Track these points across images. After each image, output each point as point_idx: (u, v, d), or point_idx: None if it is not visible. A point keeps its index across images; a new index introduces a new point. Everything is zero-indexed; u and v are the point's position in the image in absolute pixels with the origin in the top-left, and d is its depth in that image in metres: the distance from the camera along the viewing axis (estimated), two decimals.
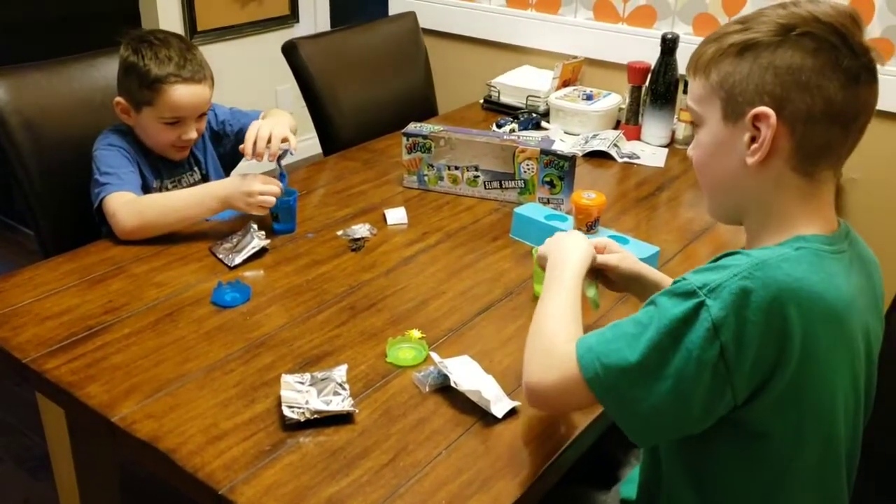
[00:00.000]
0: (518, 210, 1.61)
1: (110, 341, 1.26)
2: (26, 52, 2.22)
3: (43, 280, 1.43)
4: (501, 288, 1.44)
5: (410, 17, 2.43)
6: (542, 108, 2.28)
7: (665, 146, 2.10)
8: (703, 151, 0.99)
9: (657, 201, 1.82)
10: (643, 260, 1.35)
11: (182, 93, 1.58)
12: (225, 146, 1.81)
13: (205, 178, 1.77)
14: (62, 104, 1.75)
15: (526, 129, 2.19)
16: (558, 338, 1.01)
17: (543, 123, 2.22)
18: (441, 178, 1.80)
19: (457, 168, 1.79)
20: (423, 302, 1.39)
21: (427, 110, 2.46)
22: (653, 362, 0.88)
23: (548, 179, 1.71)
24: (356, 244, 1.57)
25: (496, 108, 2.35)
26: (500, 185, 1.77)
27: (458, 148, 1.77)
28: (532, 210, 1.61)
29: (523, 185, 1.74)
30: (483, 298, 1.40)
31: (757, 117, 0.90)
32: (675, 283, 0.92)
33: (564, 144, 2.05)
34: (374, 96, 2.30)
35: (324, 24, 3.99)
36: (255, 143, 1.57)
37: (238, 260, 1.48)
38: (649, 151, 2.07)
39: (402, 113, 2.34)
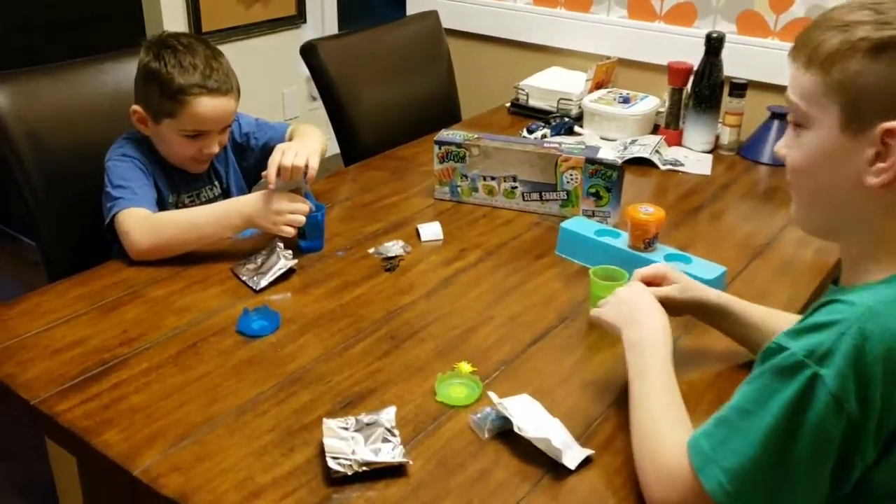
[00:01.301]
0: (565, 225, 1.48)
1: (128, 378, 1.13)
2: (26, 55, 2.09)
3: (51, 307, 1.30)
4: (554, 313, 1.31)
5: (433, 16, 2.31)
6: (574, 111, 2.15)
7: (709, 152, 1.98)
8: (805, 157, 0.86)
9: (709, 213, 1.70)
10: (709, 283, 1.23)
11: (207, 105, 1.46)
12: (248, 159, 1.69)
13: (225, 193, 1.65)
14: (68, 111, 1.63)
15: (558, 134, 2.06)
16: (666, 444, 0.89)
17: (576, 128, 2.10)
18: (475, 190, 1.68)
19: (493, 178, 1.66)
20: (470, 329, 1.26)
21: (450, 114, 2.33)
22: (775, 456, 0.77)
23: (593, 190, 1.58)
24: (390, 263, 1.44)
25: (524, 113, 2.23)
26: (541, 196, 1.64)
27: (494, 157, 1.65)
28: (580, 225, 1.49)
29: (566, 197, 1.62)
30: (535, 325, 1.28)
31: (890, 133, 0.77)
32: (771, 350, 0.80)
33: (602, 151, 1.93)
34: (395, 99, 2.18)
35: (331, 24, 3.86)
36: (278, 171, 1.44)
37: (264, 283, 1.36)
38: (693, 158, 1.94)
39: (423, 117, 2.22)
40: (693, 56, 1.97)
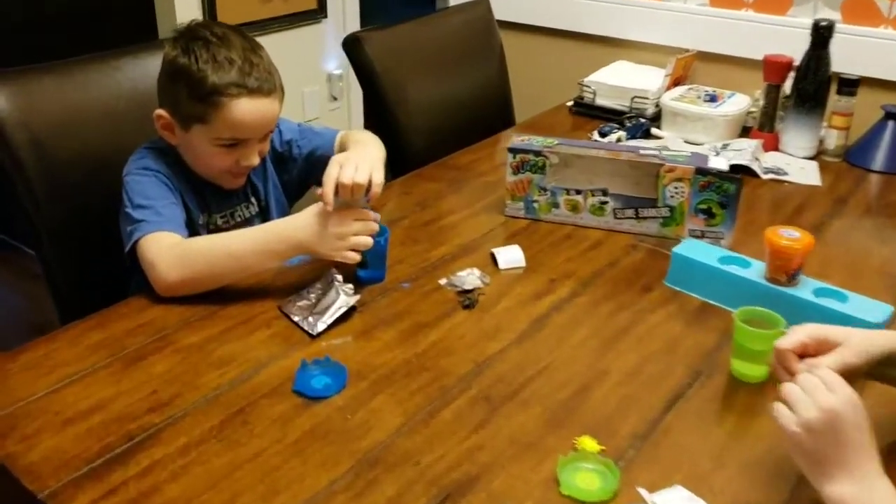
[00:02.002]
0: (678, 250, 1.23)
1: (161, 459, 0.89)
2: (29, 51, 1.85)
3: (62, 358, 1.06)
4: (682, 365, 1.07)
5: (483, 5, 2.06)
6: (649, 111, 1.91)
7: (811, 158, 1.73)
8: None
9: (832, 233, 1.45)
10: (875, 326, 0.99)
11: (246, 109, 1.21)
12: (290, 172, 1.44)
13: (263, 212, 1.41)
14: (76, 115, 1.38)
15: (634, 137, 1.82)
16: None
17: (654, 130, 1.85)
18: (556, 205, 1.44)
19: (578, 192, 1.42)
20: (583, 389, 1.02)
21: (503, 115, 2.09)
22: None
23: (704, 207, 1.34)
24: (468, 299, 1.20)
25: (590, 113, 1.98)
26: (636, 213, 1.40)
27: (578, 166, 1.40)
28: (697, 250, 1.23)
29: (668, 214, 1.37)
30: (663, 383, 1.03)
31: None
32: None
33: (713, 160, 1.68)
34: (444, 98, 1.93)
35: (353, 19, 3.61)
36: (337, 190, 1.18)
37: (322, 326, 1.11)
38: (796, 165, 1.69)
39: (475, 118, 1.99)
40: (788, 48, 1.72)
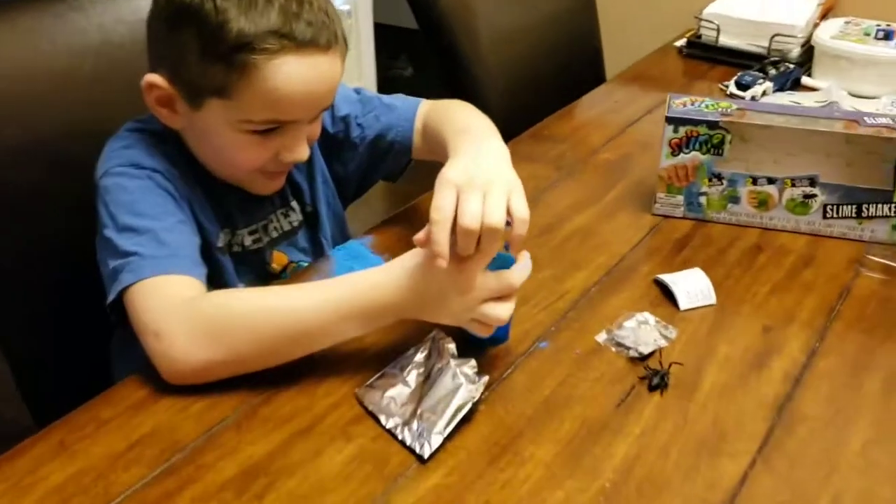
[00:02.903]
0: None
1: None
2: None
3: None
4: None
5: None
6: (794, 52, 1.44)
7: None
8: None
9: None
10: None
11: (294, 73, 0.75)
12: (345, 163, 0.98)
13: (310, 221, 0.95)
14: (19, 80, 0.90)
15: (781, 89, 1.36)
16: None
17: (806, 79, 1.39)
18: (735, 200, 0.99)
19: (771, 181, 0.97)
20: None
21: (591, 60, 1.62)
22: None
23: None
24: (655, 375, 0.75)
25: (710, 56, 1.51)
26: (858, 211, 0.95)
27: (768, 143, 0.95)
28: None
29: None
30: None
31: None
32: None
33: None
34: (521, 37, 1.46)
35: None
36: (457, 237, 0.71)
37: (437, 441, 0.67)
38: None
39: (558, 65, 1.53)
40: None
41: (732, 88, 1.35)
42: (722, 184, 0.98)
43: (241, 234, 0.90)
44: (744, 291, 0.88)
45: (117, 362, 0.93)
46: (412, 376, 0.72)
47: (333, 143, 0.95)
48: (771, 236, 0.98)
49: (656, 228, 1.00)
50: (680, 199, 1.00)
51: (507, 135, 1.23)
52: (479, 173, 0.71)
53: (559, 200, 1.06)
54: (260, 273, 0.93)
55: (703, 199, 0.99)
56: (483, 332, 0.73)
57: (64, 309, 0.91)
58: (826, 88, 1.35)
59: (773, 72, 1.37)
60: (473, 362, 0.71)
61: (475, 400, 0.69)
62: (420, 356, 0.73)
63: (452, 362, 0.71)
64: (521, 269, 0.72)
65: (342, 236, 1.01)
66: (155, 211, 0.78)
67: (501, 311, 0.71)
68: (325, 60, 0.76)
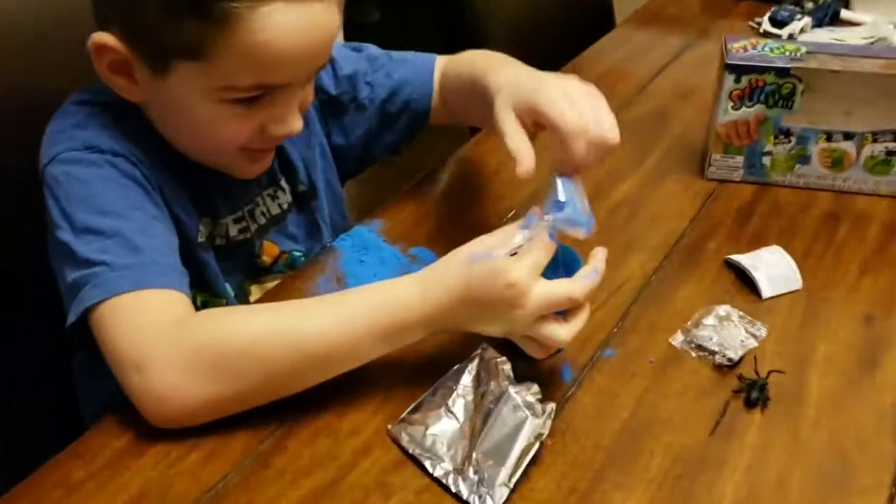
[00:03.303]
0: None
1: None
2: None
3: None
4: None
5: None
6: None
7: None
8: None
9: None
10: None
11: (287, 23, 0.58)
12: (349, 131, 0.81)
13: (303, 202, 0.79)
14: None
15: (820, 25, 1.21)
16: None
17: (846, 13, 1.24)
18: (805, 160, 0.84)
19: (848, 137, 0.83)
20: None
21: (598, 1, 1.45)
22: None
23: None
24: (752, 387, 0.61)
25: None
26: None
27: (842, 92, 0.81)
28: None
29: None
30: None
31: None
32: None
33: None
34: None
35: None
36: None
37: (503, 495, 0.51)
38: None
39: (562, 9, 1.36)
40: None
41: (766, 26, 1.20)
42: (790, 141, 0.83)
43: (225, 224, 0.74)
44: (830, 272, 0.75)
45: (83, 385, 0.77)
46: (459, 406, 0.58)
47: (336, 107, 0.79)
48: (846, 201, 0.84)
49: (714, 195, 0.85)
50: (739, 160, 0.86)
51: None
52: (575, 88, 0.64)
53: (595, 167, 0.91)
54: (248, 268, 0.78)
55: (766, 160, 0.85)
56: (538, 355, 0.59)
57: (7, 326, 0.75)
58: (871, 23, 1.21)
59: (809, 5, 1.22)
60: (536, 387, 0.57)
61: (544, 437, 0.55)
62: (467, 378, 0.59)
63: (511, 389, 0.56)
64: (590, 275, 0.58)
65: (341, 220, 0.86)
66: (121, 206, 0.62)
67: (562, 333, 0.57)
68: (320, 7, 0.60)
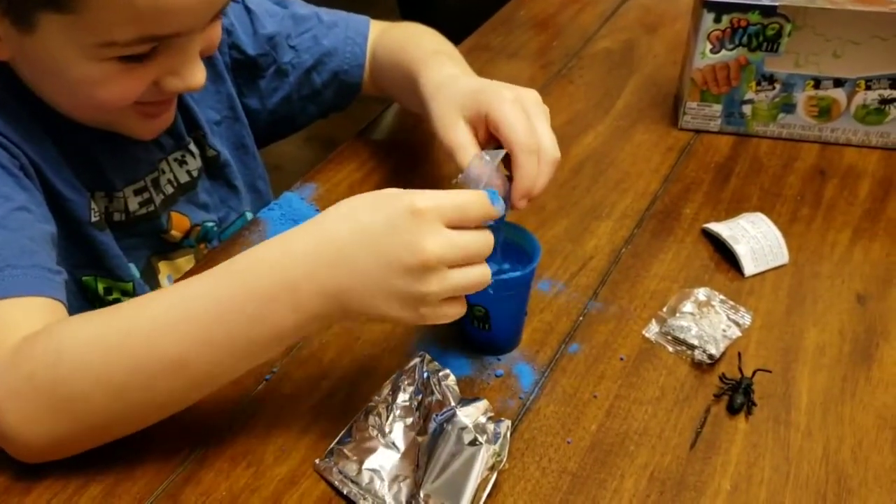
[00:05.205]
0: None
1: None
2: None
3: None
4: None
5: None
6: None
7: None
8: None
9: None
10: None
11: None
12: (266, 95, 0.71)
13: (214, 167, 0.68)
14: None
15: None
16: None
17: None
18: (789, 109, 0.75)
19: (839, 83, 0.73)
20: None
21: None
22: None
23: None
24: (735, 390, 0.53)
25: None
26: None
27: (830, 32, 0.71)
28: None
29: None
30: None
31: None
32: None
33: None
34: None
35: None
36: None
37: None
38: None
39: None
40: None
41: None
42: (773, 88, 0.74)
43: (123, 197, 0.62)
44: (818, 241, 0.67)
45: None
46: (398, 432, 0.49)
47: (252, 69, 0.68)
48: (833, 153, 0.76)
49: (689, 150, 0.76)
50: (717, 108, 0.76)
51: (469, 19, 0.98)
52: (521, 93, 0.56)
53: (556, 114, 0.78)
54: (155, 246, 0.67)
55: (747, 109, 0.76)
56: (454, 317, 0.46)
57: None
58: None
59: None
60: (485, 403, 0.48)
61: (502, 465, 0.47)
62: (403, 396, 0.50)
63: (458, 411, 0.48)
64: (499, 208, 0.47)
65: (264, 187, 0.75)
66: None
67: (474, 277, 0.45)
68: None
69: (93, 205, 0.60)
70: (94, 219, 0.60)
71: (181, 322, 0.45)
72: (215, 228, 0.70)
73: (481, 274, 0.46)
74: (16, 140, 0.54)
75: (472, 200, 0.46)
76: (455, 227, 0.44)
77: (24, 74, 0.55)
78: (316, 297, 0.44)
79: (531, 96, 0.56)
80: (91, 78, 0.52)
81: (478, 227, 0.46)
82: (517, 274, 0.52)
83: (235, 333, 0.45)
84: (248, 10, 0.69)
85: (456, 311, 0.46)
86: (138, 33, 0.50)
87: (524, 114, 0.54)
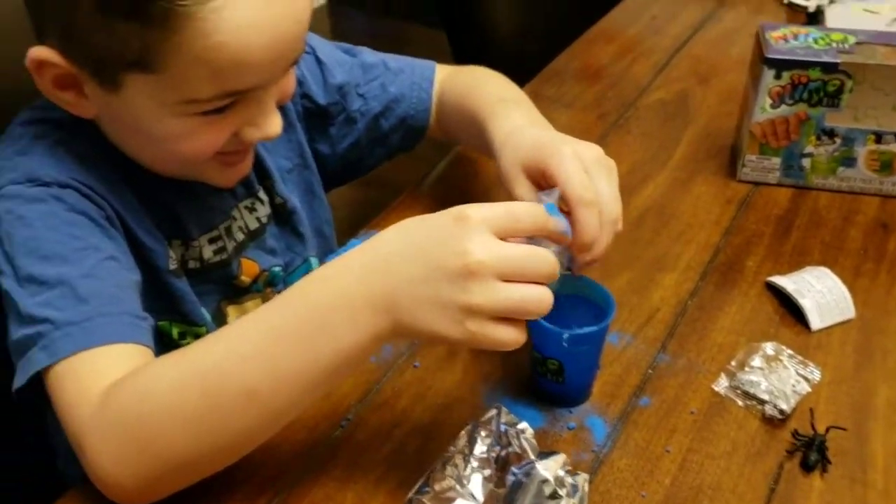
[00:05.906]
0: None
1: None
2: None
3: None
4: None
5: None
6: None
7: None
8: None
9: None
10: None
11: (247, 17, 0.49)
12: (336, 141, 0.73)
13: (282, 214, 0.70)
14: None
15: None
16: None
17: None
18: (849, 162, 0.76)
19: None
20: None
21: None
22: None
23: None
24: (809, 447, 0.53)
25: None
26: None
27: (888, 85, 0.72)
28: None
29: None
30: None
31: None
32: None
33: None
34: None
35: None
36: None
37: None
38: None
39: None
40: None
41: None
42: (834, 143, 0.75)
43: (199, 245, 0.64)
44: (884, 295, 0.67)
45: (58, 435, 0.68)
46: (476, 483, 0.49)
47: (324, 117, 0.70)
48: (894, 207, 0.76)
49: (747, 202, 0.77)
50: (776, 161, 0.77)
51: (523, 69, 0.99)
52: (584, 151, 0.56)
53: (616, 164, 0.81)
54: (225, 291, 0.68)
55: (806, 162, 0.76)
56: (513, 344, 0.45)
57: None
58: None
59: None
60: (563, 457, 0.49)
61: None
62: (480, 448, 0.50)
63: (538, 464, 0.48)
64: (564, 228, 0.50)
65: (329, 231, 0.77)
66: (67, 249, 0.52)
67: (536, 296, 0.44)
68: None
69: (170, 253, 0.62)
70: (171, 266, 0.62)
71: (248, 351, 0.47)
72: (281, 273, 0.72)
73: (538, 294, 0.44)
74: (101, 192, 0.56)
75: (524, 207, 0.47)
76: (506, 235, 0.45)
77: (109, 131, 0.58)
78: (369, 311, 0.45)
79: (592, 152, 0.56)
80: (174, 133, 0.54)
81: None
82: (593, 328, 0.53)
83: (296, 354, 0.46)
84: (319, 61, 0.71)
85: (509, 337, 0.45)
86: (219, 89, 0.52)
87: (582, 168, 0.54)
